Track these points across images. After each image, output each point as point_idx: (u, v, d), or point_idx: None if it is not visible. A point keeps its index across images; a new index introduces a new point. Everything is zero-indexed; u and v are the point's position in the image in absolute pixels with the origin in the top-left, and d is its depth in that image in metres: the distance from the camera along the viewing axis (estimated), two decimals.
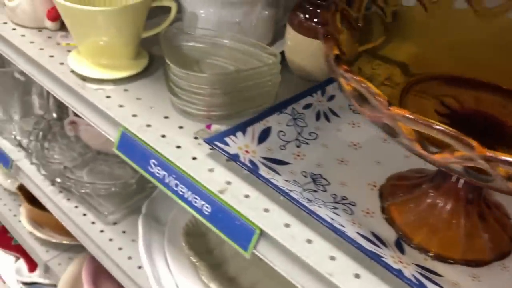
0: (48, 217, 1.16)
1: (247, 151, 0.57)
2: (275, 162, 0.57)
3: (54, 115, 1.06)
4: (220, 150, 0.54)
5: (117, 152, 0.62)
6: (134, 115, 0.62)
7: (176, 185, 0.56)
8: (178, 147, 0.58)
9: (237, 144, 0.57)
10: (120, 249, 0.86)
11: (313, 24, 0.69)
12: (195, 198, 0.54)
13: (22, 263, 1.39)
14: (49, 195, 0.95)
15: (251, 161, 0.55)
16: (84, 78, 0.67)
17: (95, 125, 0.65)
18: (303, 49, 0.71)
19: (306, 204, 0.49)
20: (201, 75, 0.58)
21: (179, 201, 0.56)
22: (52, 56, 0.71)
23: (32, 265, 1.38)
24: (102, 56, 0.66)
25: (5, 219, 1.31)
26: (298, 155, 0.59)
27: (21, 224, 1.26)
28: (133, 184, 0.91)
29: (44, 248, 1.24)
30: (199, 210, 0.54)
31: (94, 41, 0.65)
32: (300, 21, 0.70)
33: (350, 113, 0.67)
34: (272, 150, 0.59)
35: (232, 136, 0.57)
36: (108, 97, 0.64)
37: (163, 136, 0.59)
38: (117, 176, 0.97)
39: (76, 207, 0.93)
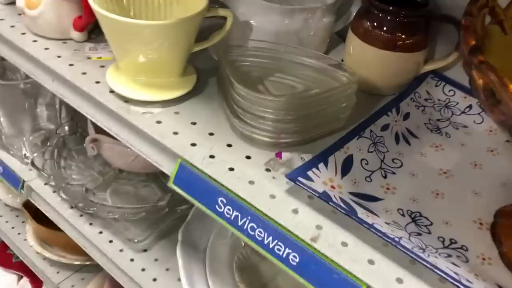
0: (57, 236, 1.08)
1: (332, 186, 0.49)
2: (365, 199, 0.50)
3: (67, 128, 0.97)
4: (308, 189, 0.46)
5: (173, 187, 0.54)
6: (193, 144, 0.53)
7: (253, 229, 0.48)
8: (251, 182, 0.50)
9: (321, 178, 0.49)
10: (154, 280, 0.78)
11: (382, 33, 0.61)
12: (279, 246, 0.47)
13: (26, 283, 1.30)
14: (69, 219, 0.86)
15: (343, 201, 0.47)
16: (127, 100, 0.58)
17: (144, 154, 0.56)
18: (369, 60, 0.63)
19: (422, 255, 0.42)
20: (276, 99, 0.50)
21: (258, 248, 0.48)
22: (85, 74, 0.62)
23: (37, 284, 1.29)
24: (148, 74, 0.58)
25: (8, 238, 1.22)
26: (388, 188, 0.52)
27: (27, 242, 1.18)
28: (164, 207, 0.82)
29: (54, 269, 1.15)
30: (283, 260, 0.46)
31: (140, 57, 0.56)
32: (366, 29, 0.62)
33: (429, 134, 0.60)
34: (358, 183, 0.51)
35: (314, 169, 0.50)
36: (158, 122, 0.56)
37: (231, 169, 0.51)
38: (143, 197, 0.88)
39: (100, 232, 0.84)
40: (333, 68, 0.57)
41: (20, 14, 0.71)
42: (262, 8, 0.61)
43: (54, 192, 0.88)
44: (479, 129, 0.62)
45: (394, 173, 0.54)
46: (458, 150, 0.58)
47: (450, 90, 0.66)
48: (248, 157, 0.53)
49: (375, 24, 0.62)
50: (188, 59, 0.60)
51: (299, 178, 0.47)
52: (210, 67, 0.65)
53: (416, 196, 0.51)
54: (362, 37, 0.63)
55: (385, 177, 0.53)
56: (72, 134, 0.95)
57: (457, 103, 0.65)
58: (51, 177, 0.85)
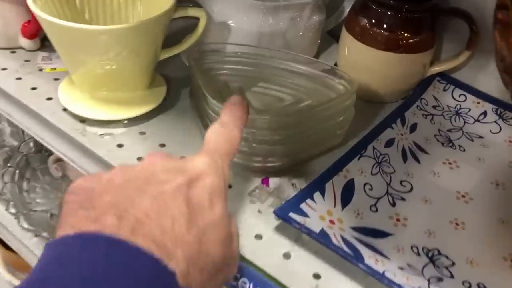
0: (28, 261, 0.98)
1: (331, 221, 0.40)
2: (372, 234, 0.41)
3: (32, 145, 0.87)
4: (302, 229, 0.37)
5: None
6: None
7: (235, 278, 0.39)
8: None
9: (318, 212, 0.41)
10: None
11: (382, 31, 0.53)
12: None
13: None
14: (33, 249, 0.77)
15: (345, 241, 0.38)
16: (83, 120, 0.49)
17: None
18: (367, 63, 0.55)
19: None
20: (261, 117, 0.41)
21: None
22: (34, 89, 0.53)
23: None
24: (107, 88, 0.49)
25: None
26: (398, 220, 0.43)
27: None
28: None
29: None
30: None
31: (96, 69, 0.46)
32: (363, 27, 0.54)
33: (440, 147, 0.52)
34: (362, 214, 0.42)
35: (309, 201, 0.41)
36: (120, 146, 0.47)
37: None
38: None
39: None
40: (327, 75, 0.48)
41: None
42: (242, 5, 0.52)
43: (16, 219, 0.79)
44: (497, 139, 0.54)
45: (403, 199, 0.45)
46: (475, 167, 0.50)
47: (461, 95, 0.57)
48: (228, 186, 0.44)
49: (374, 21, 0.53)
50: (155, 68, 0.51)
51: (291, 214, 0.39)
52: (183, 76, 0.56)
53: (432, 228, 0.42)
54: (359, 36, 0.54)
55: (393, 204, 0.44)
56: (38, 152, 0.85)
57: (470, 110, 0.56)
58: (11, 202, 0.76)
